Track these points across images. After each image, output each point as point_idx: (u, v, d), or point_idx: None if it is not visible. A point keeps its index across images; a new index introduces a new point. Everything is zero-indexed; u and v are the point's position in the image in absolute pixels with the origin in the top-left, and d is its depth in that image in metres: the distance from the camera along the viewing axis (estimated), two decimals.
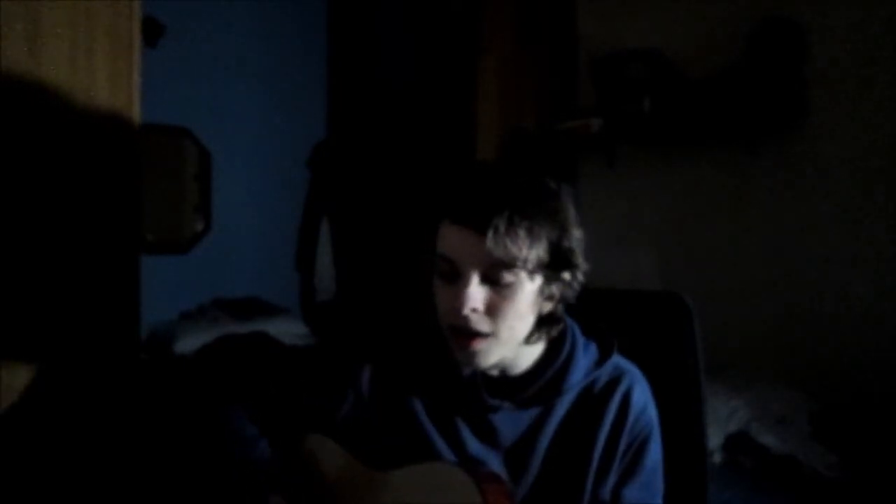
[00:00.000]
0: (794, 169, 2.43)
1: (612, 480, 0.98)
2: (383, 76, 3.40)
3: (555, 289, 0.94)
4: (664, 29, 2.77)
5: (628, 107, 2.69)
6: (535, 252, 0.89)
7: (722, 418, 2.04)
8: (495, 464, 0.99)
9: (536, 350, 1.00)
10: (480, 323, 0.91)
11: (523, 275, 0.90)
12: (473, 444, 0.99)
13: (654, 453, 1.00)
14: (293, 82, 3.57)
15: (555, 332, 1.00)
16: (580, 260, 0.95)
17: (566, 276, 0.94)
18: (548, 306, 0.96)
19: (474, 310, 0.90)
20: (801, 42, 2.36)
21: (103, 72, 1.54)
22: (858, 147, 2.29)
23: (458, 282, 0.91)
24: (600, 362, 1.01)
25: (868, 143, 2.27)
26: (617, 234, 2.88)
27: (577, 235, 0.94)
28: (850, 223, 2.29)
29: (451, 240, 0.92)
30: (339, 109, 3.65)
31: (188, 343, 2.74)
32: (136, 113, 1.59)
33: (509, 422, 0.99)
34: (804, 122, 2.37)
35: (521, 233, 0.88)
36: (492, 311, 0.91)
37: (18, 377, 1.45)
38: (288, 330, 2.96)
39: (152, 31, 2.92)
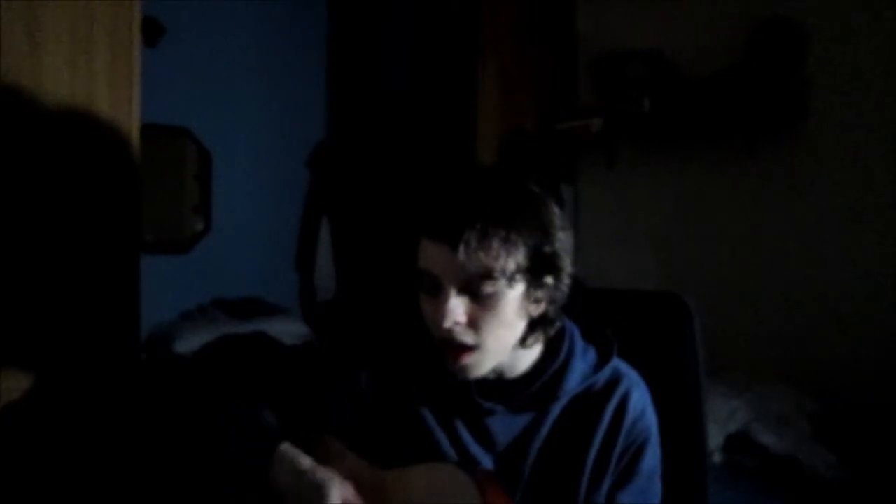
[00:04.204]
0: (794, 169, 2.43)
1: (607, 484, 0.97)
2: (383, 76, 3.40)
3: (540, 293, 0.93)
4: (664, 29, 2.77)
5: (628, 107, 2.70)
6: (512, 261, 0.88)
7: (722, 418, 2.04)
8: (488, 466, 0.99)
9: (534, 353, 0.99)
10: (465, 335, 0.91)
11: (503, 284, 0.88)
12: (471, 446, 0.99)
13: (651, 459, 0.99)
14: (293, 82, 3.57)
15: (551, 332, 0.99)
16: (565, 263, 0.93)
17: (549, 280, 0.93)
18: (537, 309, 0.95)
19: (456, 323, 0.90)
20: (801, 42, 2.36)
21: (103, 72, 1.54)
22: (858, 147, 2.29)
23: (439, 295, 0.91)
24: (598, 367, 1.00)
25: (868, 142, 2.27)
26: (617, 234, 2.88)
27: (561, 238, 0.93)
28: (850, 223, 2.29)
29: (429, 255, 0.91)
30: (339, 109, 3.65)
31: (188, 343, 2.74)
32: (136, 113, 1.59)
33: (503, 425, 0.99)
34: (804, 122, 2.37)
35: (496, 243, 0.87)
36: (475, 322, 0.90)
37: (18, 378, 1.44)
38: (288, 330, 2.96)
39: (152, 31, 2.92)
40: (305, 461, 0.96)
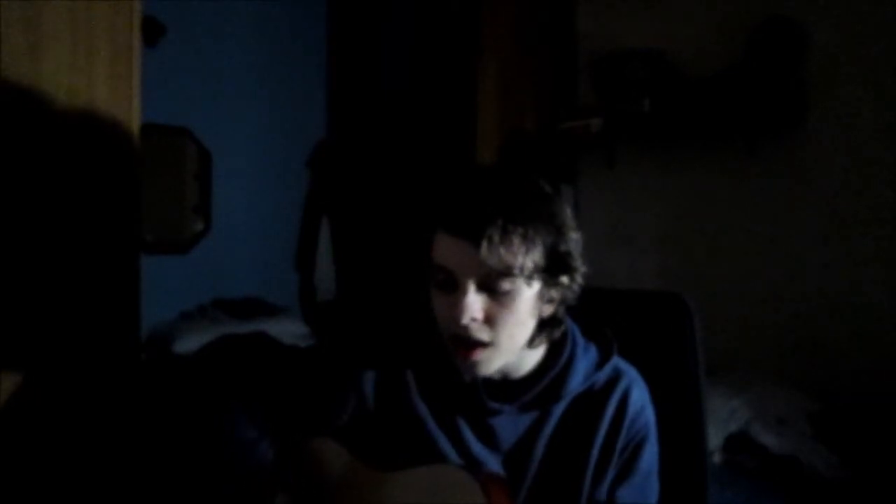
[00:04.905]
0: (793, 169, 2.43)
1: (608, 481, 0.98)
2: (383, 77, 3.40)
3: (554, 293, 0.94)
4: (664, 29, 2.77)
5: (628, 107, 2.70)
6: (531, 258, 0.88)
7: (722, 418, 2.04)
8: (495, 466, 0.99)
9: (538, 353, 1.00)
10: (480, 332, 0.91)
11: (520, 282, 0.89)
12: (474, 447, 0.99)
13: (650, 456, 1.00)
14: (293, 82, 3.57)
15: (556, 334, 0.99)
16: (578, 262, 0.94)
17: (564, 279, 0.93)
18: (548, 310, 0.96)
19: (473, 319, 0.90)
20: (801, 42, 2.36)
21: (103, 72, 1.54)
22: (858, 147, 2.29)
23: (455, 291, 0.91)
24: (600, 365, 1.01)
25: (868, 142, 2.27)
26: (617, 234, 2.88)
27: (573, 238, 0.94)
28: (850, 223, 2.29)
29: (446, 250, 0.91)
30: (339, 109, 3.65)
31: (188, 343, 2.74)
32: (136, 113, 1.59)
33: (508, 425, 0.99)
34: (804, 122, 2.37)
35: (516, 240, 0.87)
36: (491, 319, 0.91)
37: (19, 378, 1.44)
38: (288, 330, 2.96)
39: (152, 31, 2.92)
40: None
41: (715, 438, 2.00)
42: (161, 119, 2.90)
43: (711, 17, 2.65)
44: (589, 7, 3.08)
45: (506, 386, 0.99)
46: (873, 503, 1.85)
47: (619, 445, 0.98)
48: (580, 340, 1.02)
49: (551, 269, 0.91)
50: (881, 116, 2.24)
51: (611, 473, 0.98)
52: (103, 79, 1.54)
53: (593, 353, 1.02)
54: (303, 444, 1.07)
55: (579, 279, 0.95)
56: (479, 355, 0.92)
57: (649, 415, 1.01)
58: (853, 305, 2.27)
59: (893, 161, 2.21)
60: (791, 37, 2.37)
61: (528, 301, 0.91)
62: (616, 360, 1.02)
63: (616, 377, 1.01)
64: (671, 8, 2.77)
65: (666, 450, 1.03)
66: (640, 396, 1.00)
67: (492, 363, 0.93)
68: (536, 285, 0.92)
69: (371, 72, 3.44)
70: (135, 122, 1.59)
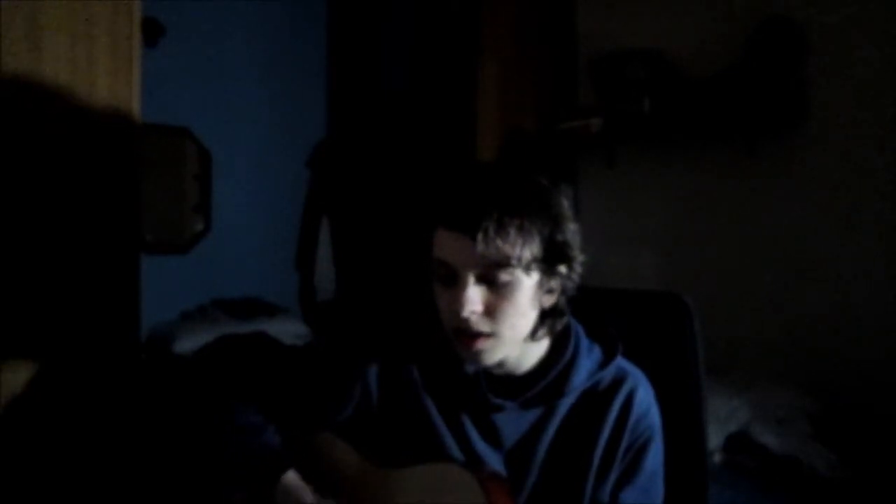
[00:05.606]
0: (793, 169, 2.43)
1: (611, 481, 0.98)
2: (383, 77, 3.40)
3: (553, 283, 0.95)
4: (664, 29, 2.77)
5: (628, 107, 2.70)
6: (528, 249, 0.90)
7: (722, 418, 2.04)
8: (497, 463, 0.99)
9: (540, 349, 1.00)
10: (481, 324, 0.92)
11: (519, 272, 0.91)
12: (477, 444, 1.00)
13: (654, 458, 1.00)
14: (293, 82, 3.58)
15: (559, 325, 1.00)
16: (576, 252, 0.96)
17: (563, 269, 0.95)
18: (549, 300, 0.96)
19: (473, 311, 0.91)
20: (801, 42, 2.35)
21: (103, 72, 1.54)
22: (858, 147, 2.29)
23: (455, 285, 0.92)
24: (604, 364, 1.01)
25: (868, 143, 2.27)
26: (617, 234, 2.88)
27: (571, 228, 0.95)
28: (850, 223, 2.29)
29: (445, 245, 0.93)
30: (339, 109, 3.65)
31: (188, 343, 2.74)
32: (136, 113, 1.59)
33: (512, 422, 0.99)
34: (804, 122, 2.37)
35: (512, 232, 0.89)
36: (491, 311, 0.92)
37: (19, 377, 1.45)
38: (288, 330, 2.96)
39: (152, 31, 2.92)
40: (308, 497, 0.98)
41: (715, 438, 2.00)
42: (161, 119, 2.90)
43: (711, 17, 2.65)
44: (589, 7, 3.08)
45: (508, 382, 1.00)
46: (873, 503, 1.85)
47: (623, 446, 0.98)
48: (584, 340, 1.03)
49: (549, 260, 0.93)
50: (881, 116, 2.24)
51: (614, 474, 0.98)
52: (103, 79, 1.54)
53: (597, 352, 1.03)
54: (309, 441, 1.07)
55: (578, 269, 0.97)
56: (482, 344, 0.93)
57: (654, 417, 1.01)
58: (853, 305, 2.27)
59: (893, 161, 2.21)
60: (791, 37, 2.36)
61: (527, 292, 0.93)
62: (621, 361, 1.02)
63: (622, 377, 1.01)
64: (671, 8, 2.77)
65: (666, 450, 1.03)
66: (645, 398, 1.01)
67: (495, 353, 0.94)
68: (535, 276, 0.93)
69: (371, 72, 3.44)
70: (135, 122, 1.59)
